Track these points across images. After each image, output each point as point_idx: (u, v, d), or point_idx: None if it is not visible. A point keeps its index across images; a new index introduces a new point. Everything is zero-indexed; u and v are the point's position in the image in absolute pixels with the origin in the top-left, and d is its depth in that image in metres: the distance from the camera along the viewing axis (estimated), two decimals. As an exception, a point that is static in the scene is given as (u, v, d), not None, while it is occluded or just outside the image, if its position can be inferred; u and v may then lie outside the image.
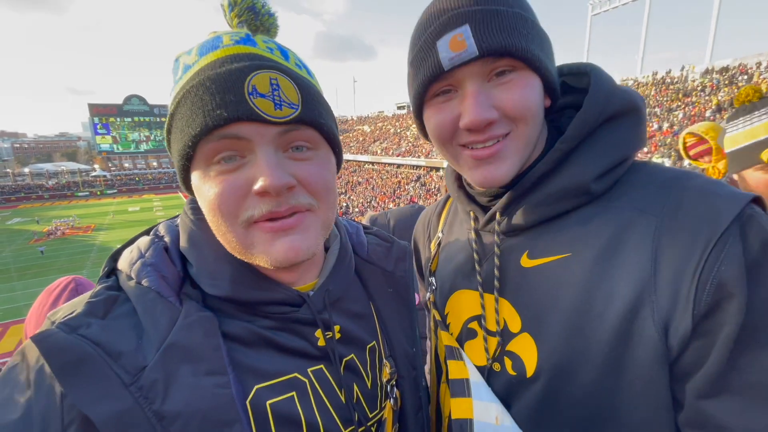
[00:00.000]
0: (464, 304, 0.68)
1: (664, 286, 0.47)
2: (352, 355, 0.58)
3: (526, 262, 0.59)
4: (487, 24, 0.51)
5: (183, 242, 0.54)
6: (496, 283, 0.60)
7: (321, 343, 0.55)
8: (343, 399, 0.55)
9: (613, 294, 0.50)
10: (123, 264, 0.51)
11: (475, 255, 0.65)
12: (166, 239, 0.54)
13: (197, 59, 0.48)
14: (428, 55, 0.55)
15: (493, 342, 0.62)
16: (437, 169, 28.76)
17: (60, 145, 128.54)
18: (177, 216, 0.60)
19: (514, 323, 0.59)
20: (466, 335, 0.67)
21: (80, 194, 54.73)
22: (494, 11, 0.52)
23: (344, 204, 31.15)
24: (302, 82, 0.50)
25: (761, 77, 17.93)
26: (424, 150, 32.09)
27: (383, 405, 0.61)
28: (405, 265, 0.71)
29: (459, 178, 0.72)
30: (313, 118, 0.50)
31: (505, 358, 0.61)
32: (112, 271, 0.52)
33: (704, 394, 0.46)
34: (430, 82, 0.55)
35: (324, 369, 0.55)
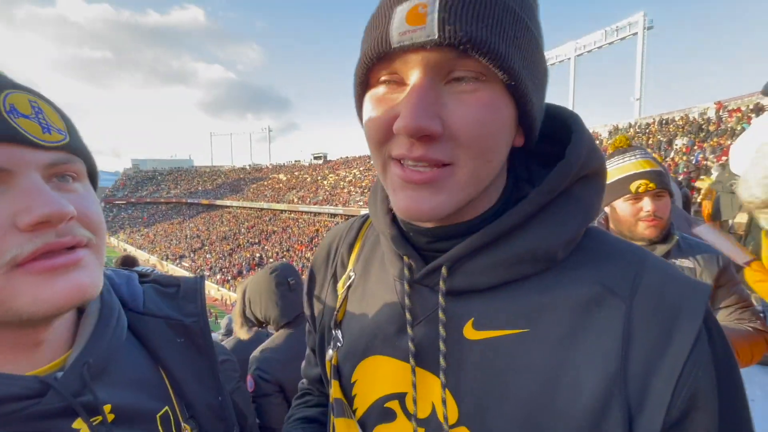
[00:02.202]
0: (382, 375, 0.52)
1: (634, 383, 0.40)
2: None
3: (470, 332, 0.46)
4: (464, 4, 0.37)
5: None
6: (441, 361, 0.46)
7: None
8: None
9: (578, 387, 0.41)
10: None
11: (407, 315, 0.50)
12: None
13: None
14: (381, 22, 0.40)
15: None
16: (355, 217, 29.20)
17: None
18: None
19: (450, 411, 0.46)
20: (377, 417, 0.52)
21: None
22: None
23: (258, 255, 29.43)
24: (63, 112, 0.45)
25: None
26: (341, 199, 32.56)
27: None
28: (195, 306, 0.60)
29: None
30: (82, 148, 0.45)
31: None
32: None
33: None
34: (374, 60, 0.41)
35: None
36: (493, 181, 0.46)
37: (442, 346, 0.46)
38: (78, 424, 0.42)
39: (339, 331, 0.59)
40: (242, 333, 1.87)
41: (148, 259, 33.84)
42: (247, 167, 60.68)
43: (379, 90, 0.43)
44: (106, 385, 0.47)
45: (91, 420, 0.43)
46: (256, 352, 1.69)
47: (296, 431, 0.68)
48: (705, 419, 0.39)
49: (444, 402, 0.45)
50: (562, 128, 0.49)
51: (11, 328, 0.41)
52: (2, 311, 0.38)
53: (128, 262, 3.02)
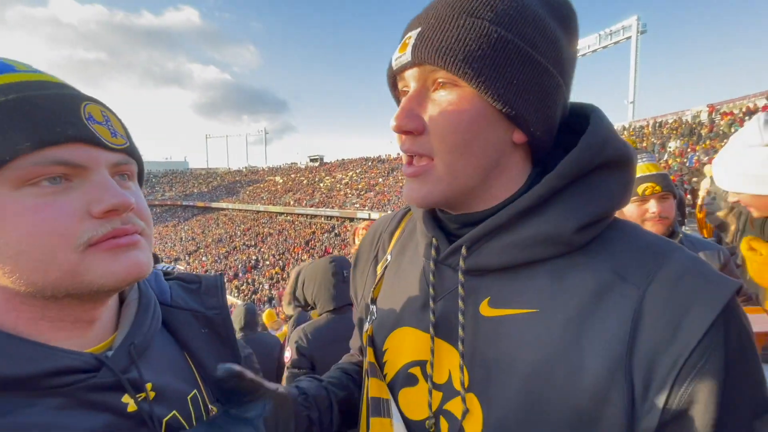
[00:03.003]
0: (407, 344, 0.59)
1: (638, 371, 0.42)
2: (174, 411, 0.52)
3: (485, 309, 0.51)
4: (435, 31, 0.47)
5: None
6: (459, 332, 0.51)
7: (131, 408, 0.47)
8: None
9: (581, 368, 0.43)
10: None
11: (431, 290, 0.56)
12: None
13: None
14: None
15: (437, 397, 0.53)
16: (351, 219, 29.22)
17: None
18: None
19: (464, 378, 0.51)
20: (403, 381, 0.58)
21: None
22: (452, 20, 0.47)
23: (254, 257, 29.32)
24: (123, 121, 0.52)
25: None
26: (337, 201, 32.55)
27: None
28: (216, 300, 0.66)
29: None
30: (136, 152, 0.52)
31: (441, 417, 0.52)
32: None
33: None
34: (391, 80, 0.56)
35: None
36: (500, 173, 0.52)
37: (461, 318, 0.51)
38: (126, 398, 0.47)
39: (374, 306, 0.66)
40: (288, 309, 2.07)
41: (142, 262, 33.55)
42: (243, 169, 60.53)
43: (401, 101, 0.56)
44: (146, 366, 0.51)
45: (136, 396, 0.48)
46: (297, 329, 1.77)
47: (335, 372, 0.78)
48: (707, 411, 0.40)
49: (461, 368, 0.50)
50: (587, 123, 0.52)
51: (77, 302, 0.47)
52: (78, 283, 0.44)
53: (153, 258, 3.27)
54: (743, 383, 0.42)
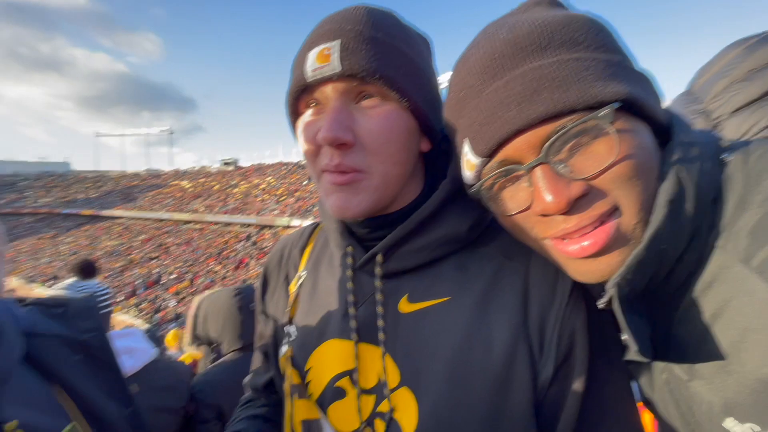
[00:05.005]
0: (332, 357, 0.59)
1: (533, 332, 0.51)
2: None
3: (405, 306, 0.56)
4: (359, 44, 0.50)
5: None
6: (380, 334, 0.55)
7: None
8: None
9: (491, 341, 0.51)
10: None
11: (350, 297, 0.58)
12: None
13: None
14: (298, 65, 0.53)
15: (369, 401, 0.55)
16: (270, 227, 27.89)
17: None
18: None
19: (393, 377, 0.54)
20: (331, 396, 0.58)
21: None
22: (372, 37, 0.50)
23: (156, 270, 26.19)
24: None
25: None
26: (254, 207, 30.82)
27: None
28: (90, 323, 0.61)
29: None
30: None
31: (376, 420, 0.54)
32: None
33: None
34: (298, 93, 0.54)
35: None
36: (411, 179, 0.58)
37: (380, 322, 0.56)
38: None
39: (292, 327, 0.66)
40: (192, 349, 1.77)
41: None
42: (143, 173, 53.98)
43: (306, 116, 0.55)
44: (8, 402, 0.47)
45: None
46: (199, 375, 1.57)
47: (242, 424, 0.71)
48: (581, 352, 0.50)
49: (384, 369, 0.54)
50: None
51: None
52: None
53: (87, 268, 2.35)
54: (602, 328, 0.52)
